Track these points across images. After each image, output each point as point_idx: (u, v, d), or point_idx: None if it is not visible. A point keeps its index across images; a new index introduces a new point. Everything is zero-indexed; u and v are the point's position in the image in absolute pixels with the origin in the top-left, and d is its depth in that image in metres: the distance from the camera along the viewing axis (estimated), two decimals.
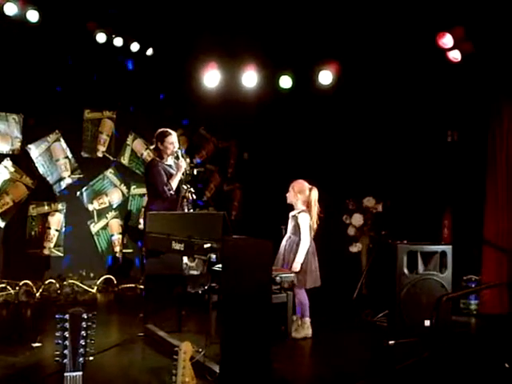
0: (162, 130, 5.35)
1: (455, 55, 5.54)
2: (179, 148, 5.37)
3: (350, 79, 6.54)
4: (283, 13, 5.88)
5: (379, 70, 6.18)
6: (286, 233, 5.12)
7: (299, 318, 4.76)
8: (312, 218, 4.80)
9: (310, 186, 4.87)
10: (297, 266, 4.66)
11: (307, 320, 4.76)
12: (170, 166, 5.36)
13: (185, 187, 5.29)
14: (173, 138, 5.31)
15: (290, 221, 4.92)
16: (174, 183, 5.21)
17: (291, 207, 4.98)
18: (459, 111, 6.13)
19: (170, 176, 5.22)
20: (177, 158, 5.34)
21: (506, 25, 5.11)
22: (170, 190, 5.17)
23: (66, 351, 1.98)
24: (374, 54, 6.01)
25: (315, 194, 4.83)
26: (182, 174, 5.27)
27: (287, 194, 4.93)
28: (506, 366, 3.75)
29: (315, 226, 4.84)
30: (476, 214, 5.94)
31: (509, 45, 5.25)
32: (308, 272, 4.70)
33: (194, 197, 5.37)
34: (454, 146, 6.27)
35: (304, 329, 4.73)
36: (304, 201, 4.84)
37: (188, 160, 5.59)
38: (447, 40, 5.47)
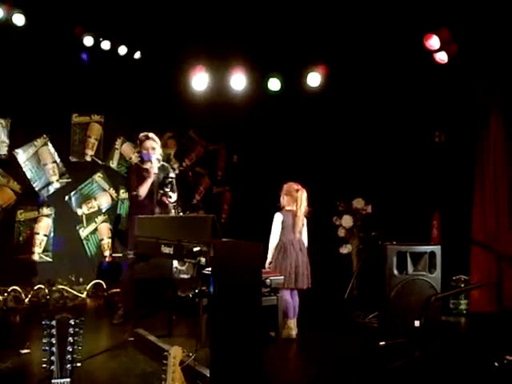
0: (142, 133, 5.30)
1: (442, 57, 5.58)
2: (160, 154, 5.29)
3: (339, 81, 6.56)
4: (271, 15, 5.89)
5: (367, 71, 6.21)
6: None
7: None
8: (297, 217, 4.87)
9: (297, 188, 4.95)
10: (265, 264, 4.78)
11: (289, 321, 4.75)
12: (159, 170, 5.26)
13: (161, 191, 5.19)
14: (150, 143, 5.22)
15: None
16: (142, 189, 5.10)
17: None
18: (446, 112, 6.17)
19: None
20: (158, 161, 5.26)
21: (491, 26, 5.16)
22: (137, 195, 5.11)
23: (53, 358, 1.96)
24: (362, 55, 6.04)
25: (301, 194, 4.92)
26: (159, 179, 5.18)
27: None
28: (496, 364, 3.77)
29: (300, 224, 4.89)
30: (464, 214, 5.98)
31: (495, 46, 5.30)
32: (280, 272, 4.70)
33: (171, 200, 5.25)
34: (442, 147, 6.31)
35: (285, 329, 4.70)
36: (291, 202, 4.93)
37: (166, 165, 5.48)
38: (434, 42, 5.51)
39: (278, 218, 4.91)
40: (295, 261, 4.80)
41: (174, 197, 5.29)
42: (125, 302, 5.23)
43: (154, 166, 5.15)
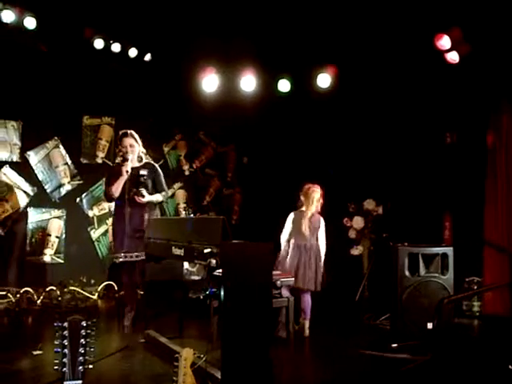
0: (121, 131, 5.13)
1: (453, 57, 5.53)
2: (143, 152, 5.13)
3: (349, 82, 6.53)
4: (281, 17, 5.88)
5: (377, 72, 6.17)
6: None
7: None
8: (306, 218, 4.95)
9: (312, 188, 5.06)
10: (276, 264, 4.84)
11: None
12: (136, 168, 5.02)
13: (134, 190, 4.91)
14: (128, 140, 5.00)
15: None
16: (115, 187, 4.91)
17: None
18: (458, 113, 6.12)
19: (127, 180, 4.92)
20: (140, 160, 5.10)
21: (503, 26, 5.11)
22: (108, 193, 4.99)
23: (65, 359, 1.97)
24: (372, 56, 6.00)
25: (312, 193, 5.02)
26: (133, 177, 4.91)
27: None
28: (510, 367, 3.73)
29: (309, 226, 4.95)
30: (476, 214, 5.92)
31: (507, 46, 5.25)
32: (282, 270, 4.79)
33: (144, 200, 4.91)
34: (453, 148, 6.26)
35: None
36: (304, 203, 5.04)
37: (152, 163, 5.27)
38: (445, 42, 5.47)
39: (289, 217, 5.03)
40: (297, 260, 4.87)
41: (148, 196, 4.95)
42: (129, 304, 5.12)
43: (128, 164, 4.91)
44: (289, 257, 4.91)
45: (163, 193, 5.18)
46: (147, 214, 4.98)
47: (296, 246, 4.93)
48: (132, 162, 4.97)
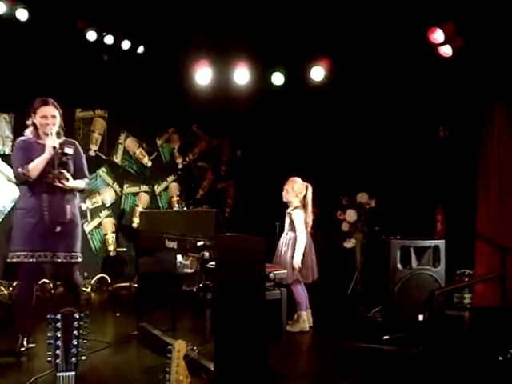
0: (39, 98, 4.04)
1: (446, 50, 5.55)
2: (62, 127, 4.12)
3: (342, 75, 6.54)
4: (274, 9, 5.87)
5: (371, 65, 6.18)
6: (280, 229, 5.21)
7: (295, 313, 4.84)
8: (307, 213, 4.94)
9: (305, 184, 5.00)
10: (298, 262, 4.75)
11: (303, 314, 4.83)
12: (59, 145, 3.98)
13: (55, 172, 3.93)
14: (49, 109, 3.99)
15: (286, 218, 5.02)
16: (33, 166, 3.88)
17: (285, 204, 5.04)
18: (451, 106, 6.14)
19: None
20: (59, 136, 4.03)
21: (496, 20, 5.13)
22: (25, 174, 3.88)
23: (58, 351, 1.97)
24: (366, 49, 6.01)
25: (310, 191, 4.99)
26: (54, 156, 3.92)
27: (283, 193, 5.02)
28: (500, 358, 3.77)
29: (310, 222, 4.97)
30: (468, 208, 5.96)
31: (500, 40, 5.27)
32: (304, 266, 4.80)
33: (69, 184, 4.01)
34: (446, 141, 6.29)
35: (299, 323, 4.80)
36: (301, 199, 4.98)
37: (71, 140, 4.24)
38: (438, 35, 5.48)
39: (300, 214, 4.87)
40: (311, 255, 4.89)
41: (72, 181, 4.05)
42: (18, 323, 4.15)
43: (54, 140, 3.92)
44: (310, 253, 4.86)
45: (86, 179, 4.26)
46: (70, 203, 4.09)
47: (312, 241, 4.93)
48: (50, 141, 3.94)
